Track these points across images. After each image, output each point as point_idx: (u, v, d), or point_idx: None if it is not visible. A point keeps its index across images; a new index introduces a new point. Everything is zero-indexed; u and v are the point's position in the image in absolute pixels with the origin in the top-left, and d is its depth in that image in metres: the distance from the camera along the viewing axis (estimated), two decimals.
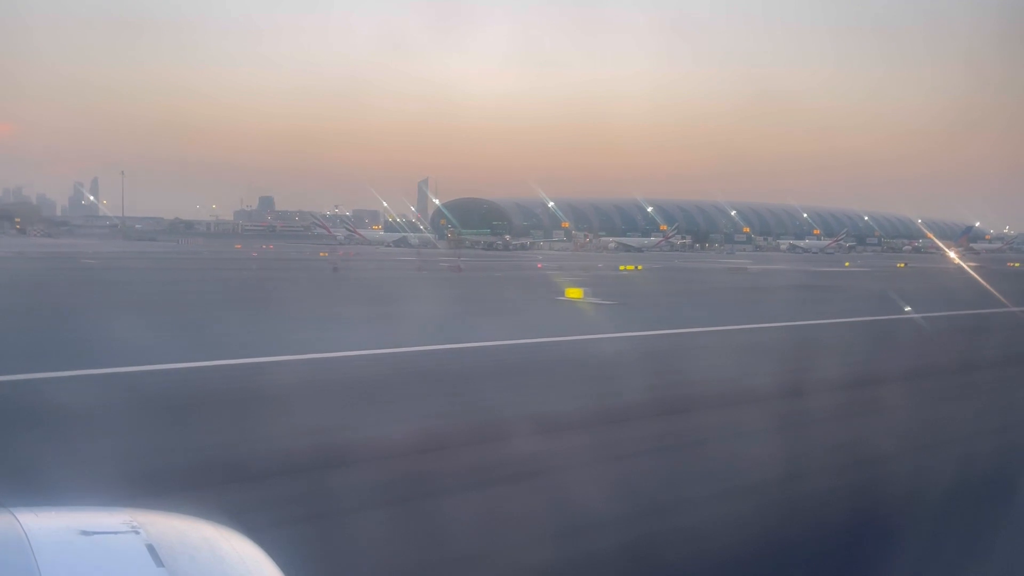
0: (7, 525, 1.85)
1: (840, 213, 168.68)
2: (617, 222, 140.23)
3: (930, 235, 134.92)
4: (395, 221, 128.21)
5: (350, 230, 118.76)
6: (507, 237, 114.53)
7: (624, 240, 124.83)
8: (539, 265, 56.08)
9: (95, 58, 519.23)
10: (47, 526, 1.88)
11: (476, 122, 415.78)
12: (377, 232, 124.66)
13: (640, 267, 56.62)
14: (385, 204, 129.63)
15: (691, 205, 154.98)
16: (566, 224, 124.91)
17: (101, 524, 1.94)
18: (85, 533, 1.86)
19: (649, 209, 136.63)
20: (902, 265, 73.66)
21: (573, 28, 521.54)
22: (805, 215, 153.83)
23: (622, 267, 56.44)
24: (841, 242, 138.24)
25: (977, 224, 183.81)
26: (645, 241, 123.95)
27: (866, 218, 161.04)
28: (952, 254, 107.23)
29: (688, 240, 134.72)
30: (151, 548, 1.79)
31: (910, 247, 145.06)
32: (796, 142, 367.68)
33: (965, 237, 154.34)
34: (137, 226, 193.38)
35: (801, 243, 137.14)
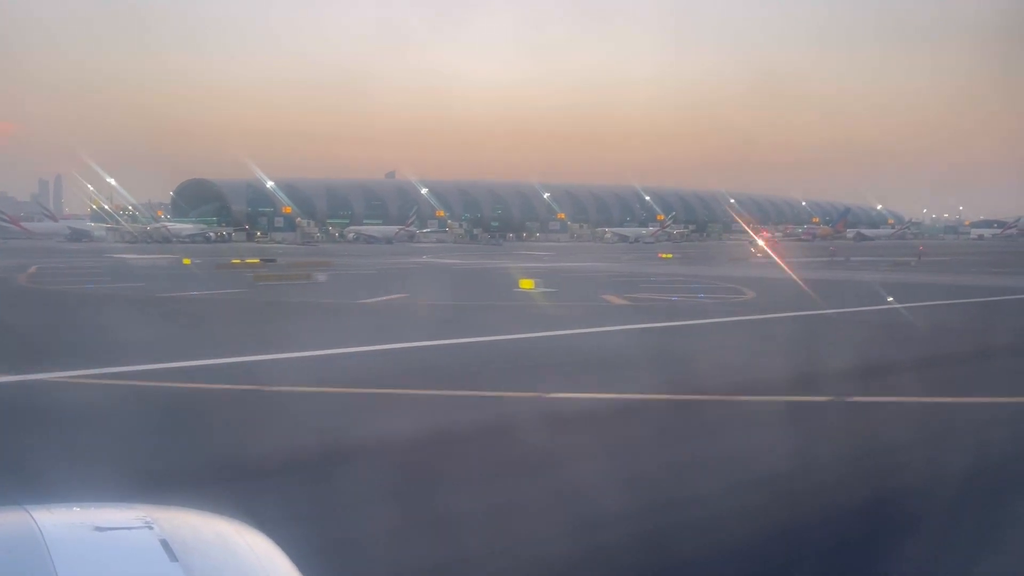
0: (21, 522, 1.80)
1: (708, 195, 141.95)
2: (392, 209, 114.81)
3: (738, 218, 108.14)
4: (102, 209, 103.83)
5: (7, 221, 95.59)
6: (161, 225, 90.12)
7: (363, 229, 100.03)
8: None
9: (78, 49, 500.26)
10: (61, 522, 1.84)
11: (462, 113, 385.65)
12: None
13: None
14: (91, 188, 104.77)
15: (508, 189, 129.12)
16: (288, 209, 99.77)
17: (115, 520, 1.89)
18: (99, 529, 1.83)
19: (424, 191, 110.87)
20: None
21: (567, 15, 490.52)
22: (648, 198, 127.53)
23: None
24: (668, 229, 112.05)
25: (879, 207, 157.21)
26: (389, 230, 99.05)
27: (732, 200, 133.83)
28: (760, 241, 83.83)
29: (467, 228, 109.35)
30: (165, 543, 1.75)
31: (781, 233, 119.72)
32: (797, 128, 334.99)
33: (842, 222, 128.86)
34: None
35: (625, 231, 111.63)
